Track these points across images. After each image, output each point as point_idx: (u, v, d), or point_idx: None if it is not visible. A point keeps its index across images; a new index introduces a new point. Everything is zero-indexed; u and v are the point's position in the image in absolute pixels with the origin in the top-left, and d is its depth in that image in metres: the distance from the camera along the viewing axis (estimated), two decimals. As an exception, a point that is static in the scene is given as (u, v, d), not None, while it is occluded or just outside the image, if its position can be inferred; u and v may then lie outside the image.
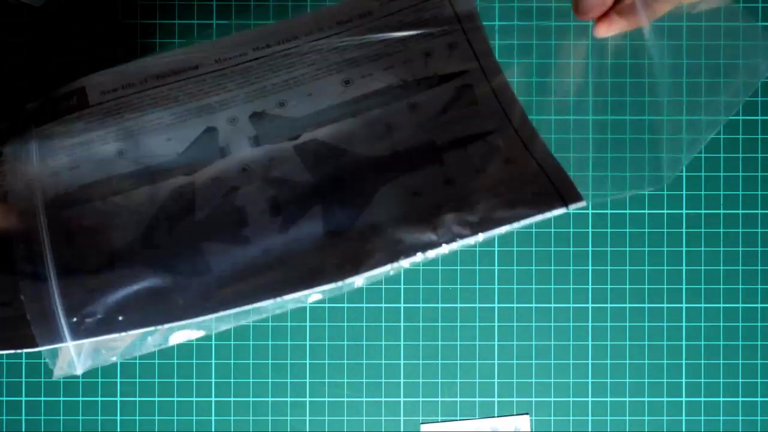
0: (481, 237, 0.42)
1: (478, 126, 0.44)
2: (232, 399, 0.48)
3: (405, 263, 0.42)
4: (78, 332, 0.40)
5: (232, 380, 0.48)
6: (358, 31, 0.45)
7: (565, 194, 0.43)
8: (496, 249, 0.48)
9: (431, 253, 0.41)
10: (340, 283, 0.42)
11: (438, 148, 0.44)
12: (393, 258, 0.42)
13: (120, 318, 0.41)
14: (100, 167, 0.44)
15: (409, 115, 0.44)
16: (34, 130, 0.45)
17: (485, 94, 0.45)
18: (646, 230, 0.47)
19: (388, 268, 0.42)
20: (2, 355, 0.47)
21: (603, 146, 0.47)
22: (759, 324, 0.47)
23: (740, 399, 0.47)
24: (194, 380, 0.47)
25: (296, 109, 0.44)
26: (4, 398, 0.47)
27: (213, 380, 0.48)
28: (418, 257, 0.42)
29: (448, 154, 0.44)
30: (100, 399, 0.47)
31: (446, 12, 0.45)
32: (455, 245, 0.42)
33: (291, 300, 0.42)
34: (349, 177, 0.44)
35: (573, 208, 0.43)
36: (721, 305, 0.47)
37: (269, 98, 0.44)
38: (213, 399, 0.48)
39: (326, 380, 0.48)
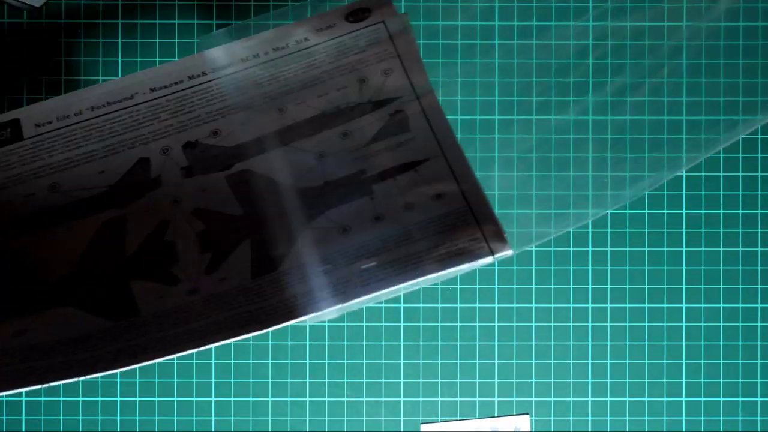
0: (402, 286, 0.42)
1: (409, 155, 0.43)
2: (232, 399, 0.48)
3: (331, 311, 0.41)
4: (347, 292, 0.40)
5: (232, 380, 0.48)
6: (294, 58, 0.44)
7: (491, 241, 0.42)
8: (496, 249, 0.49)
9: (354, 304, 0.41)
10: (268, 330, 0.42)
11: (368, 179, 0.43)
12: (319, 306, 0.41)
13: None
14: (32, 201, 0.43)
15: (341, 143, 0.43)
16: None
17: (418, 121, 0.44)
18: (646, 230, 0.47)
19: (314, 316, 0.41)
20: (2, 355, 0.47)
21: (603, 147, 0.47)
22: (759, 324, 0.47)
23: (740, 399, 0.47)
24: (194, 380, 0.47)
25: (229, 138, 0.44)
26: (4, 398, 0.47)
27: (213, 380, 0.48)
28: (341, 307, 0.42)
29: (378, 186, 0.43)
30: (100, 399, 0.47)
31: (382, 36, 0.44)
32: (377, 295, 0.41)
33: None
34: (280, 209, 0.43)
35: (499, 257, 0.42)
36: (721, 305, 0.47)
37: (203, 127, 0.44)
38: (213, 399, 0.48)
39: (326, 380, 0.48)
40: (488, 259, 0.41)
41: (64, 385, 0.47)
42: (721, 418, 0.47)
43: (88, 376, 0.37)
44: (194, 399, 0.47)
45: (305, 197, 0.43)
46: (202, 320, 0.42)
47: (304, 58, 0.44)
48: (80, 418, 0.47)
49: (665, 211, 0.47)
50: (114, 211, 0.43)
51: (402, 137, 0.43)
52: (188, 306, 0.42)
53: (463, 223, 0.42)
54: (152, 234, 0.43)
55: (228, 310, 0.42)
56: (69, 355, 0.40)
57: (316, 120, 0.44)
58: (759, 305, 0.47)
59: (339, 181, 0.43)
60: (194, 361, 0.48)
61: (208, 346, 0.41)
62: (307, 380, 0.48)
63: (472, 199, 0.42)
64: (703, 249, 0.47)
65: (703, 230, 0.47)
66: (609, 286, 0.48)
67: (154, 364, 0.47)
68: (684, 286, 0.47)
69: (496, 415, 0.47)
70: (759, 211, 0.47)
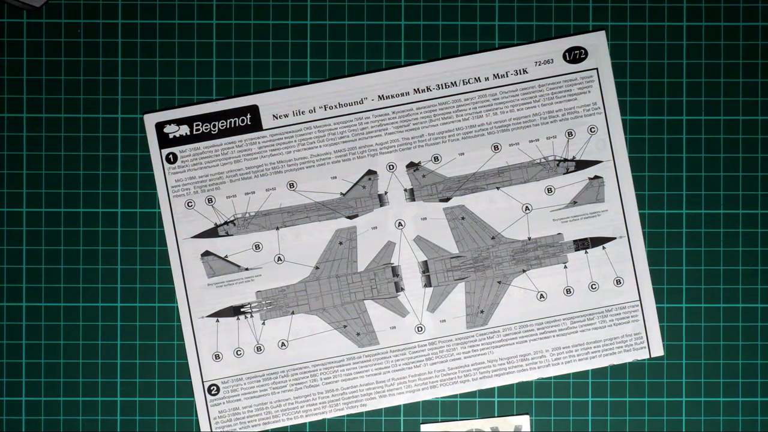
0: (576, 371, 0.46)
1: (600, 228, 0.46)
2: (232, 399, 0.48)
3: (523, 378, 0.46)
4: None
5: (232, 380, 0.48)
6: (511, 90, 0.45)
7: (652, 341, 0.46)
8: (496, 249, 0.48)
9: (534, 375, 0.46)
10: (477, 390, 0.46)
11: (564, 246, 0.45)
12: (514, 376, 0.46)
13: None
14: (274, 196, 0.45)
15: (545, 199, 0.45)
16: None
17: (612, 192, 0.46)
18: (647, 230, 0.47)
19: (507, 382, 0.46)
20: (2, 354, 0.47)
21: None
22: (759, 324, 0.47)
23: (740, 399, 0.47)
24: (193, 380, 0.47)
25: (448, 168, 0.45)
26: (4, 398, 0.47)
27: (213, 380, 0.48)
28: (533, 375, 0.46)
29: (572, 255, 0.45)
30: (100, 399, 0.47)
31: (593, 86, 0.46)
32: (548, 373, 0.45)
33: None
34: (492, 260, 0.45)
35: (653, 356, 0.46)
36: (721, 305, 0.47)
37: (425, 149, 0.45)
38: (213, 399, 0.48)
39: (326, 380, 0.48)
40: (643, 357, 0.46)
41: (64, 384, 0.47)
42: (721, 418, 0.47)
43: None
44: (194, 399, 0.47)
45: (510, 250, 0.45)
46: (430, 366, 0.46)
47: (520, 94, 0.45)
48: (80, 418, 0.47)
49: (665, 211, 0.47)
50: (346, 221, 0.45)
51: (597, 207, 0.45)
52: (417, 346, 0.46)
53: (633, 319, 0.46)
54: (380, 255, 0.45)
55: (451, 360, 0.46)
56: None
57: (526, 168, 0.45)
58: (759, 305, 0.47)
59: (540, 240, 0.45)
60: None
61: (432, 398, 0.46)
62: (307, 380, 0.48)
63: (644, 292, 0.46)
64: (702, 249, 0.47)
65: (703, 230, 0.47)
66: (609, 286, 0.48)
67: (154, 364, 0.47)
68: (684, 286, 0.47)
69: (496, 415, 0.47)
70: (759, 211, 0.47)
